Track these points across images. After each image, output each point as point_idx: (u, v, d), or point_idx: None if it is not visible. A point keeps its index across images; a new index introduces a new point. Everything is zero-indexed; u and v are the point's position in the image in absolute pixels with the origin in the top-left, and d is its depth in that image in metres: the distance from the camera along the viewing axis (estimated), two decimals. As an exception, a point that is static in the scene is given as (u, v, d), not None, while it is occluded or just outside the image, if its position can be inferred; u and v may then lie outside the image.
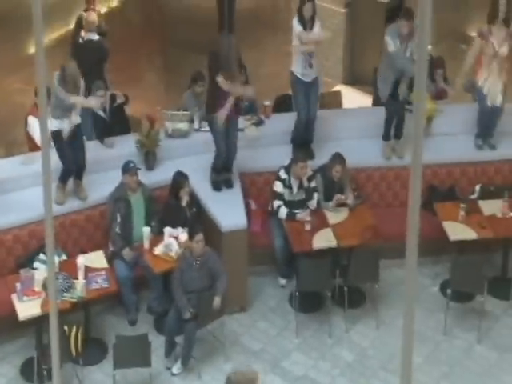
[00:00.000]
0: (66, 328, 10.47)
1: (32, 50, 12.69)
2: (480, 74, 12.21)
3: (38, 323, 10.46)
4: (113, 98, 12.88)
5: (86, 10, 13.46)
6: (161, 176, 12.00)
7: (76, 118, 11.31)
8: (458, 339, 11.45)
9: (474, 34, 12.29)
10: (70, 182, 11.64)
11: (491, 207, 11.85)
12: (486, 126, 12.51)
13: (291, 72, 12.33)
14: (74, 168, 11.47)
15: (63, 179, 11.48)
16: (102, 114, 12.67)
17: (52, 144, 11.17)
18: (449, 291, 11.55)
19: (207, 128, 12.22)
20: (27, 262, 10.93)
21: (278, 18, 12.66)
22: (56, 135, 11.17)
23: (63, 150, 11.29)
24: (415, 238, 2.49)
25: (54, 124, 11.11)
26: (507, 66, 12.19)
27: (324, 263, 11.61)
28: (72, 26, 13.72)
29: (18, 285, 10.67)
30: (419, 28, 2.29)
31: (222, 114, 11.30)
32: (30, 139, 12.16)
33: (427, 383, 10.60)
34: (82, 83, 11.26)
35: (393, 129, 12.52)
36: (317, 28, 12.22)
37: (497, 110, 12.41)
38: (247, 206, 11.98)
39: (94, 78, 12.41)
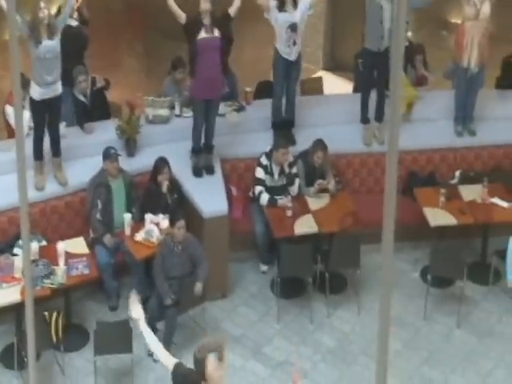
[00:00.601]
0: (46, 314, 10.46)
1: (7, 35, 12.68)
2: (463, 55, 12.17)
3: (18, 310, 10.38)
4: (93, 81, 12.86)
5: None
6: (142, 162, 12.01)
7: (58, 88, 11.25)
8: (438, 324, 11.50)
9: (454, 20, 12.30)
10: (49, 165, 11.57)
11: (471, 193, 11.87)
12: (464, 108, 12.53)
13: (275, 48, 12.29)
14: (43, 135, 11.44)
15: (36, 150, 11.42)
16: (82, 98, 12.62)
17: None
18: (429, 277, 11.62)
19: (188, 114, 12.27)
20: (7, 248, 10.87)
21: (257, 6, 12.63)
22: (34, 102, 11.24)
23: (39, 115, 11.35)
24: (391, 224, 2.53)
25: (35, 90, 11.15)
26: (488, 34, 12.16)
27: (305, 249, 11.58)
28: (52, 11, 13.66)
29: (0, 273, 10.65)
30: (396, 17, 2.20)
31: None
32: (8, 126, 12.14)
33: (407, 368, 10.65)
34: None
35: (375, 110, 12.56)
36: (301, 4, 12.12)
37: (474, 88, 12.41)
38: (228, 192, 11.97)
39: (74, 63, 12.39)
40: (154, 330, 10.75)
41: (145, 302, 10.98)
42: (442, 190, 11.80)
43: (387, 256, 2.54)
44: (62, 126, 11.85)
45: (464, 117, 12.60)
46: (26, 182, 2.77)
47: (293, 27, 12.07)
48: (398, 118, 2.58)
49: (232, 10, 11.66)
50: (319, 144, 11.89)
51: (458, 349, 11.26)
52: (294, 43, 12.17)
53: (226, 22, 11.85)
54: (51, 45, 10.96)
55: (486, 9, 11.95)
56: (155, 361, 10.87)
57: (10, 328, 10.82)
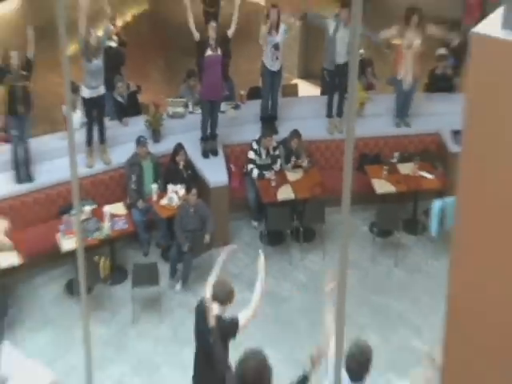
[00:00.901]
0: (96, 258, 10.60)
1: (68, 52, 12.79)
2: (399, 70, 12.24)
3: (75, 254, 10.53)
4: (128, 87, 12.94)
5: (112, 24, 13.53)
6: (164, 147, 12.04)
7: (100, 90, 11.42)
8: (381, 265, 11.63)
9: (394, 42, 12.39)
10: (97, 148, 11.71)
11: (406, 168, 11.95)
12: (402, 107, 12.53)
13: (262, 62, 12.34)
14: (92, 127, 11.57)
15: (88, 141, 11.60)
16: (120, 99, 12.68)
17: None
18: (375, 230, 11.82)
19: (198, 111, 12.30)
20: (68, 210, 10.90)
21: (251, 30, 12.74)
22: (85, 100, 11.42)
23: (89, 114, 11.50)
24: (348, 192, 2.54)
25: (85, 92, 11.32)
26: (418, 59, 12.21)
27: (285, 210, 11.71)
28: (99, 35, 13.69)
29: (62, 226, 10.72)
30: (351, 31, 2.32)
31: None
32: (66, 120, 12.21)
33: (360, 297, 10.67)
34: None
35: (336, 108, 12.60)
36: (281, 30, 12.15)
37: (409, 94, 12.45)
38: (228, 168, 12.03)
39: (114, 74, 12.45)
40: (175, 270, 11.10)
41: (167, 250, 11.36)
42: (385, 167, 11.88)
43: (345, 215, 2.58)
44: (106, 120, 11.93)
45: (401, 113, 12.58)
46: (75, 162, 2.70)
47: (276, 46, 12.11)
48: (354, 113, 2.64)
49: (230, 33, 11.70)
50: (295, 133, 11.96)
51: (395, 282, 11.36)
52: (277, 58, 12.21)
53: (225, 42, 11.85)
54: (97, 63, 11.14)
55: (417, 42, 11.98)
56: (176, 291, 11.03)
57: (71, 267, 10.82)
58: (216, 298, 7.35)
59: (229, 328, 7.21)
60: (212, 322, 7.17)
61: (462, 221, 3.50)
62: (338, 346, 2.66)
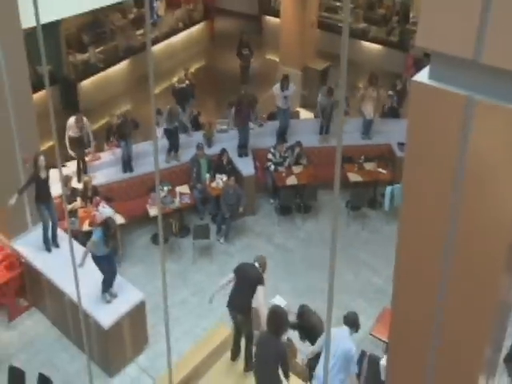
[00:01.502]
0: (171, 220, 10.76)
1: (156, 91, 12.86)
2: (363, 106, 12.34)
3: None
4: (192, 112, 12.96)
5: (185, 74, 13.54)
6: (214, 150, 11.89)
7: (175, 124, 11.45)
8: (353, 229, 11.45)
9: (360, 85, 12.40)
10: (172, 153, 11.68)
11: (369, 166, 11.82)
12: (366, 128, 12.44)
13: (276, 105, 12.55)
14: (172, 146, 11.57)
15: (169, 150, 11.61)
16: (188, 125, 12.56)
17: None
18: (349, 205, 11.69)
19: (235, 129, 12.28)
20: (153, 189, 10.81)
21: (269, 76, 12.81)
22: (166, 131, 11.43)
23: (170, 136, 11.50)
24: (338, 181, 2.32)
25: (165, 126, 11.38)
26: (375, 102, 12.30)
27: (291, 191, 11.65)
28: (174, 80, 13.78)
29: (149, 200, 10.80)
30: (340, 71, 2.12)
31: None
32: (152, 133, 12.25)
33: (339, 249, 10.70)
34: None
35: (324, 128, 12.57)
36: (290, 88, 12.43)
37: (370, 120, 12.42)
38: (255, 164, 11.94)
39: (184, 105, 12.64)
40: (220, 229, 11.06)
41: (215, 216, 11.32)
42: (356, 165, 11.74)
43: (336, 195, 2.32)
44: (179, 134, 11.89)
45: (366, 131, 12.48)
46: (158, 160, 2.58)
47: (286, 98, 12.36)
48: (341, 130, 2.38)
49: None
50: (298, 143, 11.94)
51: (362, 240, 11.22)
52: (286, 103, 12.43)
53: (254, 103, 12.10)
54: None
55: (374, 93, 12.12)
56: (221, 243, 10.92)
57: (155, 226, 10.89)
58: (259, 263, 6.99)
59: (259, 279, 6.84)
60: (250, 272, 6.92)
61: (406, 199, 3.58)
62: (330, 291, 2.45)
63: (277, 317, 6.10)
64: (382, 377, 6.07)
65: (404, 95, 13.13)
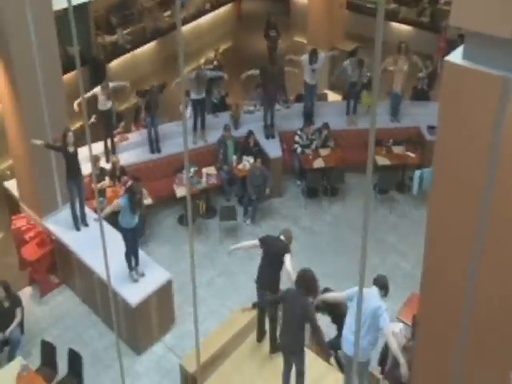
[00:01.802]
0: (198, 201, 10.74)
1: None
2: (393, 86, 12.12)
3: (185, 198, 10.60)
4: (220, 92, 12.89)
5: (215, 55, 13.55)
6: (241, 132, 11.86)
7: (202, 94, 11.37)
8: (381, 212, 11.31)
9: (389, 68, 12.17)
10: (199, 132, 11.62)
11: (397, 149, 11.69)
12: (394, 110, 12.27)
13: (304, 80, 12.21)
14: (199, 120, 11.52)
15: (194, 126, 11.55)
16: (215, 101, 12.67)
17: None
18: (377, 189, 11.60)
19: (262, 108, 12.17)
20: (180, 170, 10.89)
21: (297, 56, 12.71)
22: (193, 100, 11.38)
23: (196, 108, 11.44)
24: (371, 164, 2.28)
25: (192, 96, 11.32)
26: (405, 79, 12.10)
27: (318, 174, 11.56)
28: (202, 61, 13.77)
29: (176, 180, 10.84)
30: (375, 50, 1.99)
31: None
32: (181, 113, 12.28)
33: (373, 233, 10.66)
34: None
35: (352, 108, 12.40)
36: (320, 60, 12.03)
37: (399, 102, 12.23)
38: (282, 146, 11.87)
39: (212, 85, 12.54)
40: (246, 211, 11.04)
41: (242, 198, 11.31)
42: (384, 148, 11.60)
43: (368, 180, 2.29)
44: (206, 114, 11.84)
45: (394, 113, 12.30)
46: (187, 140, 2.64)
47: (313, 70, 12.03)
48: (374, 111, 2.30)
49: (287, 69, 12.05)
50: (325, 125, 11.83)
51: (390, 224, 11.06)
52: (313, 77, 12.09)
53: (282, 74, 12.02)
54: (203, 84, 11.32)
55: (405, 68, 11.86)
56: (247, 224, 10.93)
57: (182, 206, 10.96)
58: (285, 236, 6.99)
59: (285, 249, 6.87)
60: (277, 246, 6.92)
61: (436, 184, 3.52)
62: (362, 266, 2.40)
63: (307, 277, 6.13)
64: (393, 345, 5.78)
65: (434, 77, 12.91)
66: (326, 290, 7.54)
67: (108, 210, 8.31)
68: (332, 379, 6.78)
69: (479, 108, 3.11)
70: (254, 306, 6.48)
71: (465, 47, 3.03)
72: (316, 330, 6.04)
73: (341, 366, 7.24)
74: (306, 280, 6.14)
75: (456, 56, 3.16)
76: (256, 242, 7.00)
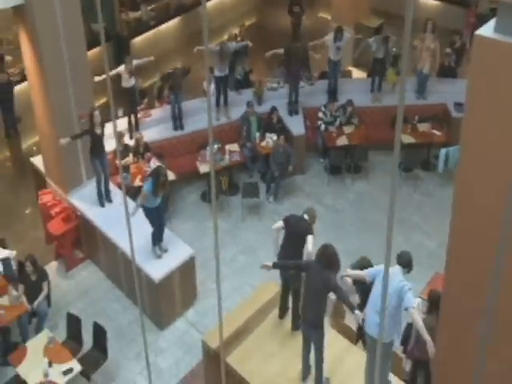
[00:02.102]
0: (221, 178, 10.73)
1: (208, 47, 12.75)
2: (420, 63, 11.91)
3: (208, 175, 10.35)
4: (244, 68, 12.84)
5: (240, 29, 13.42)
6: (264, 108, 11.79)
7: (225, 71, 11.32)
8: (405, 191, 11.13)
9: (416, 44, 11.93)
10: (222, 108, 11.58)
11: (423, 127, 11.54)
12: (420, 87, 12.09)
13: (328, 57, 12.11)
14: (220, 95, 11.47)
15: (217, 101, 11.53)
16: (239, 77, 12.61)
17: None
18: (401, 167, 11.47)
19: (286, 86, 12.11)
20: (203, 146, 10.98)
21: (321, 33, 12.49)
22: (215, 77, 11.35)
23: (219, 84, 11.41)
24: (399, 143, 2.12)
25: (215, 72, 11.27)
26: (433, 56, 11.88)
27: (342, 152, 11.47)
28: (225, 37, 13.66)
29: (199, 157, 10.86)
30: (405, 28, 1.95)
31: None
32: (204, 92, 12.29)
33: (397, 212, 10.58)
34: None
35: (376, 85, 12.25)
36: (345, 38, 11.94)
37: (425, 79, 12.06)
38: (305, 123, 11.78)
39: (236, 61, 12.48)
40: (269, 188, 11.03)
41: (265, 175, 11.30)
42: (409, 125, 11.42)
43: (395, 157, 2.14)
44: (229, 91, 11.76)
45: (420, 90, 12.12)
46: (211, 116, 2.57)
47: (338, 48, 11.90)
48: (403, 88, 2.25)
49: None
50: (350, 101, 11.69)
51: (414, 203, 10.94)
52: (338, 54, 12.00)
53: (306, 52, 11.88)
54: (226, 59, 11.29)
55: (431, 45, 11.64)
56: (270, 202, 10.93)
57: (205, 183, 10.98)
58: (309, 215, 6.92)
59: (308, 230, 6.82)
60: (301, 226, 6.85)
61: (463, 161, 3.44)
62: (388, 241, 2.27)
63: (328, 253, 6.11)
64: (419, 323, 5.69)
65: (462, 53, 12.62)
66: (363, 259, 7.33)
67: (139, 201, 8.27)
68: (353, 358, 6.78)
69: (511, 83, 3.01)
70: (275, 265, 6.47)
71: (497, 20, 2.93)
72: (339, 293, 5.96)
73: (363, 341, 7.22)
74: (327, 256, 6.11)
75: (487, 30, 3.06)
76: (280, 223, 6.92)
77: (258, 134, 11.44)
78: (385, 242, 2.16)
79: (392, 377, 6.48)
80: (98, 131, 8.89)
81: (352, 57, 13.64)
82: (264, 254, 9.82)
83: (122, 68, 10.72)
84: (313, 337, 6.28)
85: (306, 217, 6.91)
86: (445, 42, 12.27)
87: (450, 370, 4.10)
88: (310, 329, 6.26)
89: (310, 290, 6.19)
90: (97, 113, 8.84)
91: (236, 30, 13.75)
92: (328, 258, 6.11)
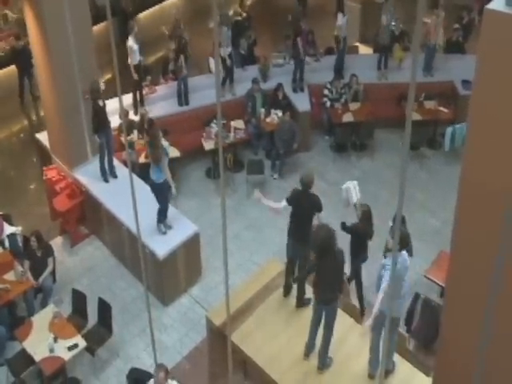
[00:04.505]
0: (225, 155, 10.67)
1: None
2: (429, 36, 11.80)
3: (213, 152, 10.66)
4: (248, 41, 12.72)
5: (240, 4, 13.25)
6: (269, 85, 11.79)
7: (229, 47, 11.28)
8: (411, 168, 10.75)
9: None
10: (227, 85, 11.54)
11: (429, 104, 11.49)
12: (427, 63, 11.98)
13: (335, 34, 12.08)
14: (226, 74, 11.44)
15: (224, 80, 11.45)
16: (243, 52, 12.53)
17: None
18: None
19: (292, 62, 12.01)
20: (208, 123, 10.92)
21: (328, 7, 12.36)
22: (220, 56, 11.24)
23: (224, 64, 11.31)
24: (410, 121, 2.14)
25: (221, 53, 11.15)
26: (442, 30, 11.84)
27: (347, 129, 11.45)
28: (230, 13, 13.52)
29: (204, 134, 10.82)
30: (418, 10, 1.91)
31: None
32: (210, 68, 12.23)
33: (396, 188, 10.29)
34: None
35: (383, 62, 12.18)
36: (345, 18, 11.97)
37: (432, 55, 11.94)
38: (311, 100, 11.74)
39: (239, 36, 12.39)
40: (274, 165, 11.02)
41: (270, 152, 11.25)
42: (415, 103, 11.26)
43: (407, 135, 2.12)
44: (234, 68, 11.70)
45: (427, 67, 12.05)
46: (220, 91, 2.53)
47: (343, 26, 11.93)
48: (416, 65, 2.15)
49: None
50: (354, 77, 11.59)
51: (420, 180, 10.88)
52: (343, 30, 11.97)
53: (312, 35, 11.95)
54: (228, 33, 11.17)
55: (441, 15, 11.55)
56: (274, 178, 10.91)
57: (209, 160, 10.97)
58: (304, 182, 6.80)
59: (316, 206, 6.77)
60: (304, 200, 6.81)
61: (470, 140, 3.40)
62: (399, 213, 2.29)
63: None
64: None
65: (471, 29, 12.48)
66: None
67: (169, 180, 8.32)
68: (357, 334, 6.81)
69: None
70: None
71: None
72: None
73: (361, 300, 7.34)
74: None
75: (498, 3, 2.99)
76: (283, 203, 6.82)
77: (262, 110, 11.40)
78: (387, 218, 2.13)
79: (396, 356, 6.50)
80: (101, 103, 8.83)
81: (359, 33, 13.50)
82: (269, 230, 9.88)
83: (131, 42, 10.59)
84: (327, 313, 6.21)
85: (302, 187, 6.79)
86: (453, 18, 12.11)
87: (454, 348, 4.11)
88: (324, 305, 6.20)
89: (326, 269, 6.06)
90: (98, 85, 8.75)
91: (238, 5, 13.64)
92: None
